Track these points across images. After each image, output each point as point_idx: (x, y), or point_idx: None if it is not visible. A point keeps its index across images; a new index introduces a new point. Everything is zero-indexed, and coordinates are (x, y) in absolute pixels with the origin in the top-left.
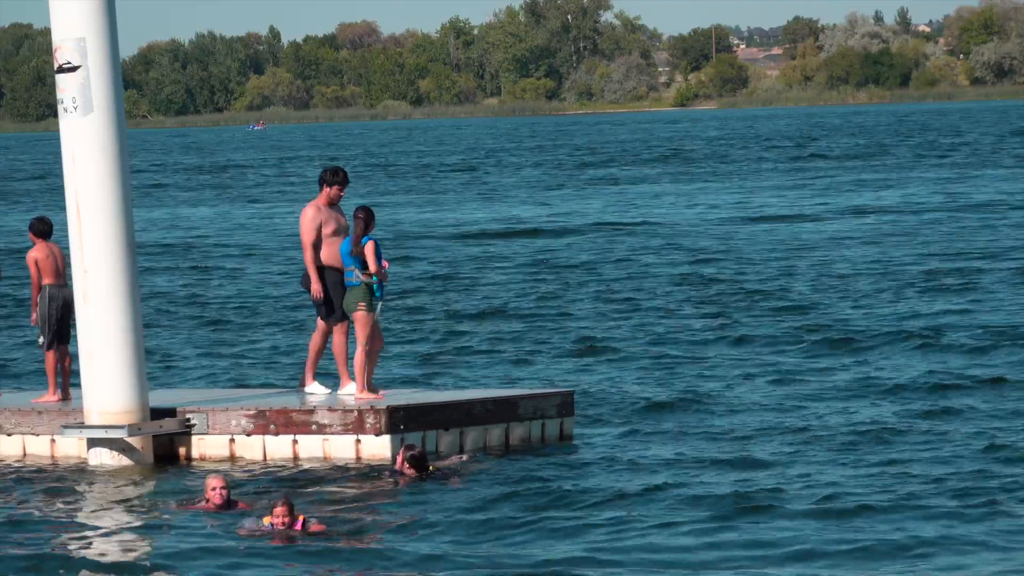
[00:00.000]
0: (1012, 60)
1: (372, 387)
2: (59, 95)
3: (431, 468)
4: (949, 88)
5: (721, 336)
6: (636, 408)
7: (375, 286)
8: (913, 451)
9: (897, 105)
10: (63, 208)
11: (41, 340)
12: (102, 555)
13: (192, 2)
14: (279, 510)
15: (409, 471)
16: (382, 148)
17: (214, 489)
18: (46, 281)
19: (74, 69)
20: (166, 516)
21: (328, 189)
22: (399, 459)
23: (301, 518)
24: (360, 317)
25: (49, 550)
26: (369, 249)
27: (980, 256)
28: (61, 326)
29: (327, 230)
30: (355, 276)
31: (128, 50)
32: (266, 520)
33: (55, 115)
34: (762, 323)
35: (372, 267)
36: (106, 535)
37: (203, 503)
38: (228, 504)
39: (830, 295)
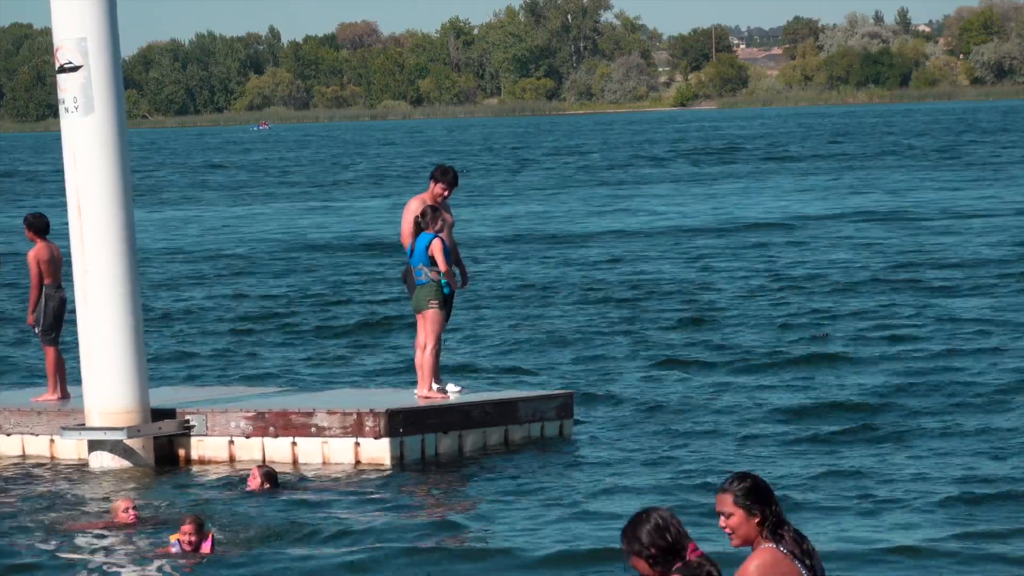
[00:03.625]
0: (1012, 60)
1: (441, 386)
2: (60, 95)
3: (279, 484)
4: (949, 88)
5: (725, 341)
6: (636, 411)
7: (444, 283)
8: (906, 456)
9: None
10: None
11: (37, 331)
12: (100, 556)
13: (192, 2)
14: (186, 527)
15: (265, 486)
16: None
17: (126, 511)
18: (46, 281)
19: (75, 69)
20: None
21: (434, 185)
22: (255, 476)
23: (211, 537)
24: (432, 315)
25: (47, 551)
26: (437, 247)
27: None
28: (58, 325)
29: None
30: (424, 274)
31: (128, 50)
32: (173, 538)
33: (55, 115)
34: (768, 329)
35: (442, 265)
36: (104, 537)
37: (114, 520)
38: (141, 522)
39: (845, 301)
